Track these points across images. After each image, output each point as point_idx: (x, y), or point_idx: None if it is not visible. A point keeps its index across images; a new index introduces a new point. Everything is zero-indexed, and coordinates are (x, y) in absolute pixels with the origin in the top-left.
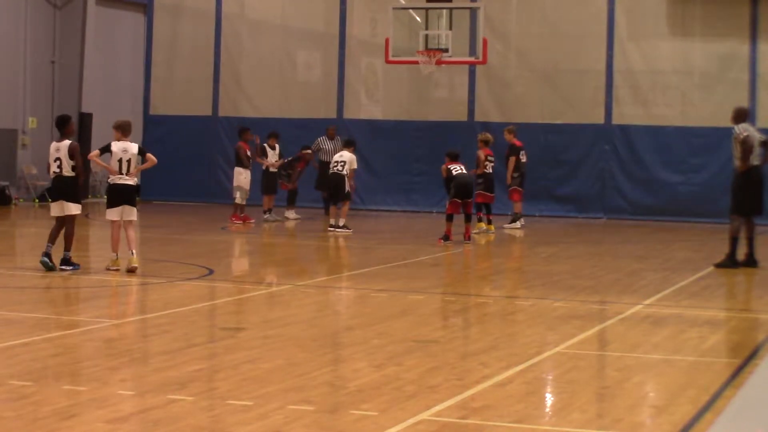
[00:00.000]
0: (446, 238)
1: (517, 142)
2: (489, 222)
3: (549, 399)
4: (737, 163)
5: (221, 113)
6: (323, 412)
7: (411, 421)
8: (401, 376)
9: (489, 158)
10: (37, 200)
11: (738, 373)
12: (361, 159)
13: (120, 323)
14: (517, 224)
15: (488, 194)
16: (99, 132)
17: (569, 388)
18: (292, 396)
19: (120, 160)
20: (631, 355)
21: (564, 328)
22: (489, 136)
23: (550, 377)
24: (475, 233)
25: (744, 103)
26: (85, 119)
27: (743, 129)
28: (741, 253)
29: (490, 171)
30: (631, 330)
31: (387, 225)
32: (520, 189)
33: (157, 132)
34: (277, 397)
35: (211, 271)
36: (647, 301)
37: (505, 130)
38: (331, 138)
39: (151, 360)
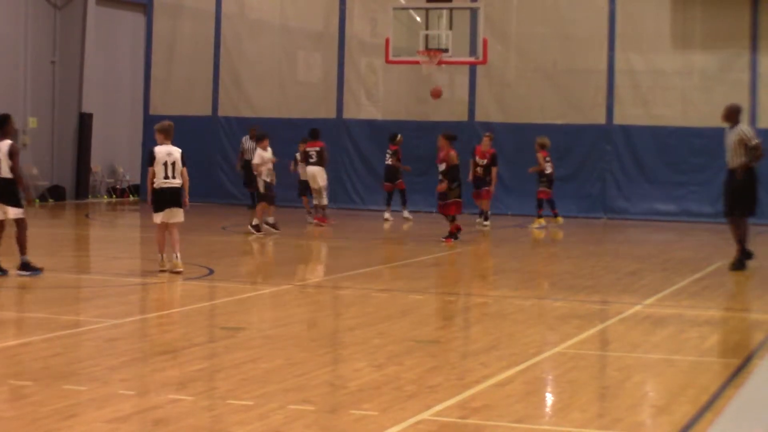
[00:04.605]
0: (454, 235)
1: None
2: (555, 216)
3: (549, 399)
4: (739, 162)
5: (221, 113)
6: (323, 411)
7: (411, 420)
8: (401, 376)
9: (546, 159)
10: (37, 200)
11: (738, 373)
12: (361, 159)
13: (120, 323)
14: (487, 222)
15: (549, 191)
16: (99, 132)
17: (569, 388)
18: (292, 396)
19: (165, 164)
20: (631, 355)
21: (564, 328)
22: (546, 140)
23: (550, 377)
24: (536, 228)
25: (745, 103)
26: (86, 119)
27: (749, 131)
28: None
29: (550, 171)
30: (632, 330)
31: (387, 225)
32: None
33: None
34: (278, 396)
35: (211, 271)
36: (647, 301)
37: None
38: (252, 137)
39: (152, 360)
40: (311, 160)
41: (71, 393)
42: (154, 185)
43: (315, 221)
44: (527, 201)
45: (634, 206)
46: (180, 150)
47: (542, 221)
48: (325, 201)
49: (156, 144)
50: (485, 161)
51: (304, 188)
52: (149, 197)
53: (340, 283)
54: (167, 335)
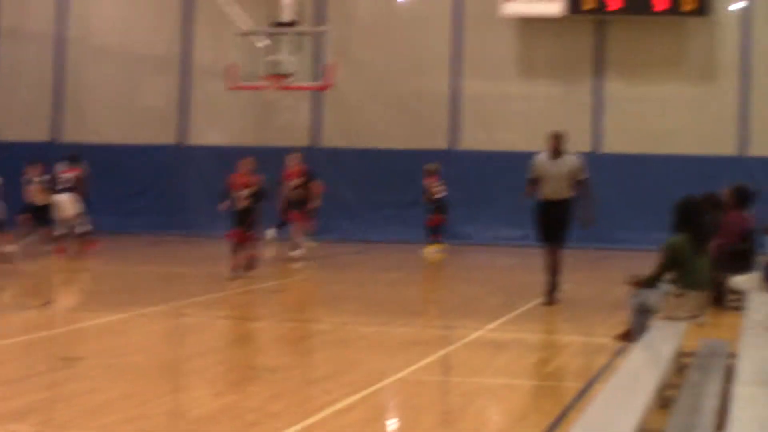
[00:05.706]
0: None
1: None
2: (440, 242)
3: (391, 425)
4: (569, 194)
5: (65, 139)
6: None
7: None
8: (241, 404)
9: (434, 185)
10: None
11: (580, 397)
12: (203, 185)
13: None
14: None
15: (441, 216)
16: None
17: (412, 414)
18: (131, 426)
19: None
20: (474, 380)
21: (407, 354)
22: (433, 166)
23: (393, 403)
24: (434, 252)
25: (588, 128)
26: None
27: (582, 163)
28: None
29: (440, 196)
30: (474, 355)
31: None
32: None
33: None
34: (117, 427)
35: (49, 301)
36: (490, 326)
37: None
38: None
39: None
40: (60, 187)
41: None
42: None
43: (54, 251)
44: (372, 227)
45: (477, 231)
46: None
47: (439, 246)
48: (86, 227)
49: None
50: (302, 179)
51: (41, 217)
52: None
53: (182, 310)
54: (5, 365)
